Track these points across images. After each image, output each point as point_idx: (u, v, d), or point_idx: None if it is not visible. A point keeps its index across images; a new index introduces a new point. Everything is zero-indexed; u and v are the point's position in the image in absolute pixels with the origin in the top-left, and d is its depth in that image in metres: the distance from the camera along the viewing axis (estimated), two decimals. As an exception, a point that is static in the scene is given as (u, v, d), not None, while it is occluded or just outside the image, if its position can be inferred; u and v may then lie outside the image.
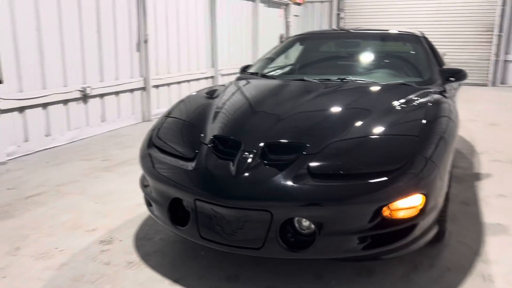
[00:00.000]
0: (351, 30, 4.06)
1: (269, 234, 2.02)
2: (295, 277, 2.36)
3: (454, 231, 2.91)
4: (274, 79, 3.48)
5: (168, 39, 7.17)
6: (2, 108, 4.53)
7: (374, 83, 3.16)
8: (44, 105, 5.09)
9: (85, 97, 5.64)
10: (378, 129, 2.37)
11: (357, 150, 2.22)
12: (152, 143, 2.63)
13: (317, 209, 1.99)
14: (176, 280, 2.34)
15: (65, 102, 5.37)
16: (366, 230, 2.05)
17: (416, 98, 2.77)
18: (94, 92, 5.72)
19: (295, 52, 4.39)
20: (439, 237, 2.58)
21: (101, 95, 5.92)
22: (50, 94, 5.11)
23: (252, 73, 3.73)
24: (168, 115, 2.89)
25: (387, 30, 4.06)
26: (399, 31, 3.96)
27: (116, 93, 6.22)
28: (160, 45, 6.99)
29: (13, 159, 4.61)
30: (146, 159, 2.51)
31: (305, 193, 2.01)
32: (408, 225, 2.12)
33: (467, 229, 2.97)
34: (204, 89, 3.38)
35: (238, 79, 3.67)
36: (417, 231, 2.16)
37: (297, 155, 2.18)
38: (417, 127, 2.34)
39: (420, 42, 3.70)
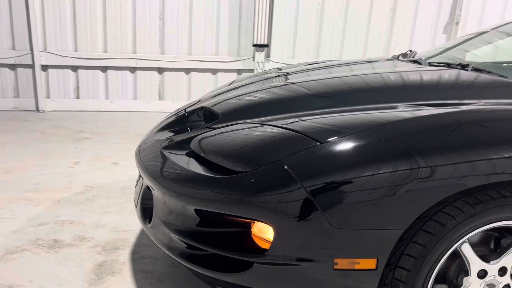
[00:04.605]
0: None
1: (139, 197, 1.89)
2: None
3: None
4: (410, 62, 2.56)
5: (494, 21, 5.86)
6: (268, 68, 5.41)
7: (491, 79, 1.82)
8: (313, 74, 5.61)
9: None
10: (300, 122, 1.55)
11: (243, 136, 1.59)
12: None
13: (155, 186, 1.68)
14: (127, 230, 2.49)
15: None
16: (186, 234, 1.53)
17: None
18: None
19: None
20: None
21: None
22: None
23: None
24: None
25: None
26: None
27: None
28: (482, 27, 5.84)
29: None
30: None
31: (155, 164, 1.72)
32: (239, 258, 1.42)
33: None
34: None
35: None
36: (254, 275, 1.39)
37: (202, 126, 1.84)
38: (346, 133, 1.36)
39: None
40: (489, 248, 1.47)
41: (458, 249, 1.36)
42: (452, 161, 1.27)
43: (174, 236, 1.57)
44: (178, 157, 1.67)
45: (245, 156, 1.45)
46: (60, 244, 2.17)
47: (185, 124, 1.97)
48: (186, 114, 2.00)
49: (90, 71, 5.12)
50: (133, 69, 5.20)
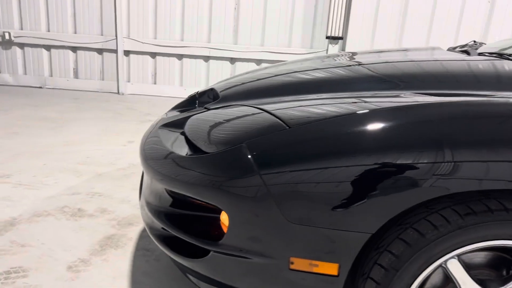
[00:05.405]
0: None
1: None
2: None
3: None
4: (460, 52, 2.23)
5: None
6: (341, 62, 5.16)
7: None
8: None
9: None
10: (281, 107, 1.41)
11: (223, 117, 1.49)
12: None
13: (141, 162, 1.65)
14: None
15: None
16: (160, 215, 1.49)
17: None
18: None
19: None
20: None
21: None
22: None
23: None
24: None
25: None
26: None
27: None
28: None
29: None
30: None
31: (147, 142, 1.69)
32: (197, 245, 1.34)
33: None
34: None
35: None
36: (210, 264, 1.30)
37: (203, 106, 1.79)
38: (315, 119, 1.20)
39: None
40: (500, 273, 1.20)
41: (444, 266, 1.13)
42: (434, 160, 1.05)
43: (152, 217, 1.54)
44: (166, 136, 1.64)
45: (215, 137, 1.36)
46: (82, 214, 2.28)
47: (194, 105, 1.93)
48: (197, 95, 1.96)
49: (167, 58, 5.35)
50: (206, 58, 5.32)
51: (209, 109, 1.68)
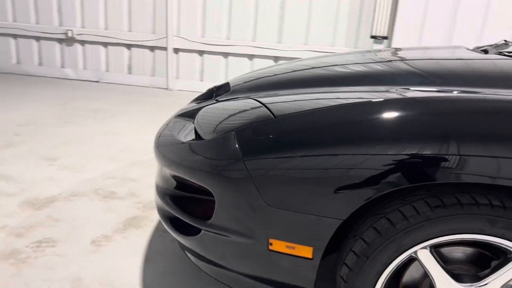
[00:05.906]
0: None
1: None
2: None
3: None
4: (479, 51, 2.17)
5: None
6: (386, 62, 5.08)
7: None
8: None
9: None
10: (277, 100, 1.48)
11: (224, 108, 1.59)
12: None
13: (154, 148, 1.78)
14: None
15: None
16: (164, 196, 1.61)
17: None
18: None
19: None
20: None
21: None
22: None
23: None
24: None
25: None
26: None
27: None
28: None
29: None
30: None
31: (161, 129, 1.83)
32: (190, 222, 1.45)
33: None
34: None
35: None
36: (201, 242, 1.41)
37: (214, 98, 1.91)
38: (297, 111, 1.27)
39: None
40: (479, 269, 1.21)
41: (414, 256, 1.16)
42: (401, 152, 1.09)
43: (158, 198, 1.67)
44: (178, 125, 1.77)
45: (214, 126, 1.46)
46: (113, 196, 2.47)
47: (211, 97, 2.05)
48: (215, 89, 2.07)
49: (213, 56, 5.54)
50: (251, 57, 5.45)
51: (218, 101, 1.79)
